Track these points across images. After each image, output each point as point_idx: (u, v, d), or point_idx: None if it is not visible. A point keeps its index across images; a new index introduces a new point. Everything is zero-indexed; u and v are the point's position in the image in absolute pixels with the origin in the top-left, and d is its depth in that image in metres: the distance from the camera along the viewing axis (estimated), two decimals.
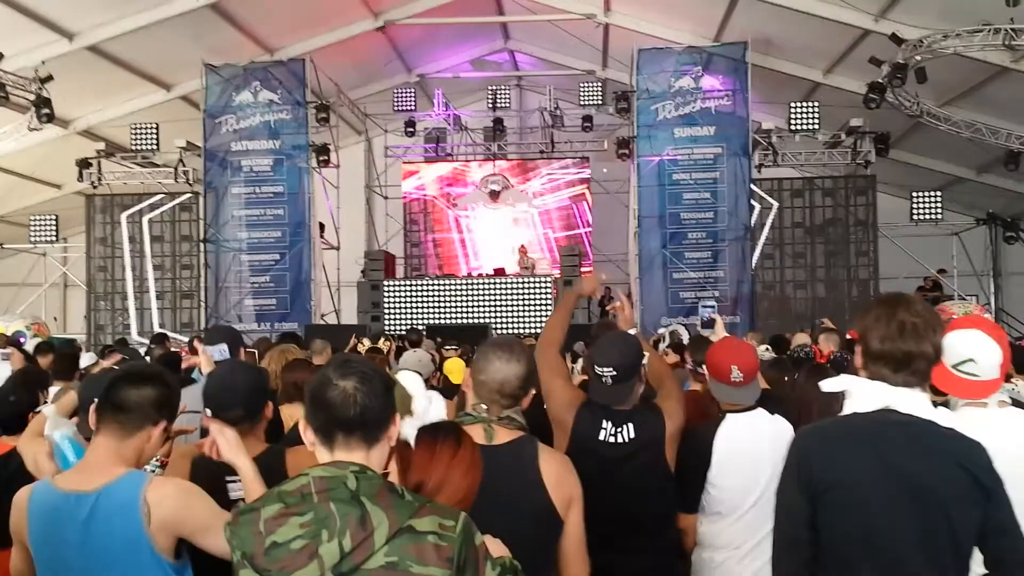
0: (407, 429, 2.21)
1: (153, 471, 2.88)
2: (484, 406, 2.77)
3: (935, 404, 2.54)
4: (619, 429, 3.45)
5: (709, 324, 7.01)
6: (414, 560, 1.70)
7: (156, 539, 2.39)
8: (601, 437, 3.44)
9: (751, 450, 3.46)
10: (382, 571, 1.69)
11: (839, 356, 5.52)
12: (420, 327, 13.62)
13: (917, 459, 2.24)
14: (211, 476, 2.83)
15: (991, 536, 2.23)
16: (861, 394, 2.35)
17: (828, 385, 2.50)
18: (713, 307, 14.36)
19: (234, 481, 2.83)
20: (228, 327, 6.33)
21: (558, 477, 2.69)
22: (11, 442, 3.67)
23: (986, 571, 2.28)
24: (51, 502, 1.91)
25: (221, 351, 4.32)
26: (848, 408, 2.38)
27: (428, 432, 2.24)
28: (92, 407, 2.58)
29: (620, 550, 2.88)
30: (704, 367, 4.19)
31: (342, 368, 1.88)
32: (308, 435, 1.89)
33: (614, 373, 3.42)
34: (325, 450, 1.87)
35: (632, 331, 3.94)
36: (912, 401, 2.30)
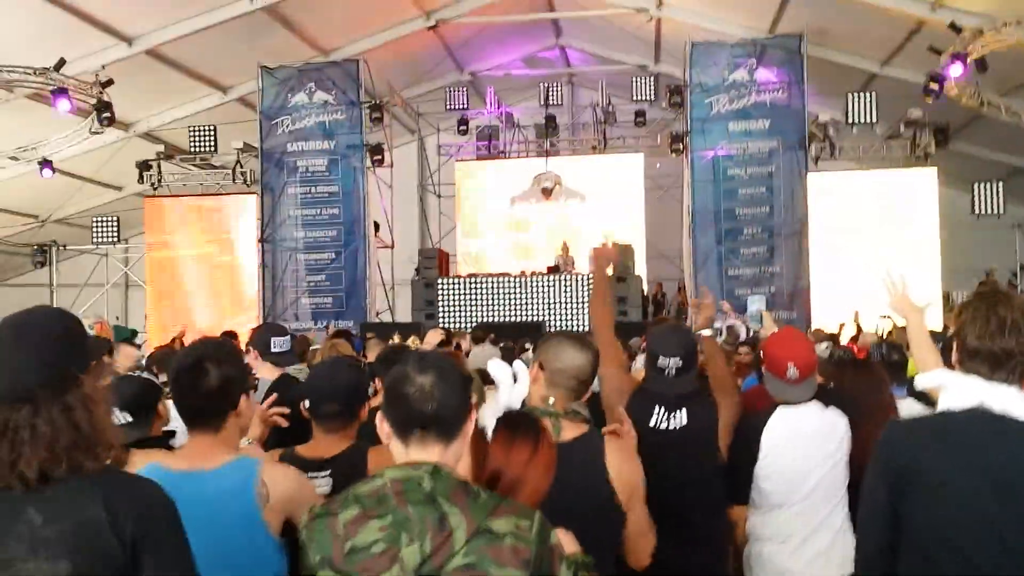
0: (485, 417, 2.20)
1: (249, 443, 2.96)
2: (552, 399, 2.76)
3: None
4: (672, 415, 3.45)
5: (756, 318, 6.97)
6: (492, 562, 1.68)
7: (269, 519, 2.45)
8: (652, 424, 3.44)
9: (801, 442, 3.41)
10: (461, 572, 1.67)
11: (879, 351, 5.39)
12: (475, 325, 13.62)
13: (1008, 456, 2.17)
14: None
15: None
16: (955, 390, 2.28)
17: (923, 381, 2.45)
18: (762, 300, 14.20)
19: (316, 477, 2.90)
20: (277, 323, 6.88)
21: (621, 469, 2.69)
22: None
23: None
24: (161, 479, 1.93)
25: (285, 342, 4.71)
26: (942, 404, 2.30)
27: (507, 425, 2.20)
28: (172, 406, 2.61)
29: (667, 539, 2.88)
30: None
31: (420, 363, 1.86)
32: (384, 428, 1.89)
33: (680, 364, 3.42)
34: (401, 446, 1.86)
35: (707, 332, 3.93)
36: (1008, 398, 2.21)
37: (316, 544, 1.74)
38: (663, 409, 3.48)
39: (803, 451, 3.40)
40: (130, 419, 3.04)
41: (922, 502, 2.23)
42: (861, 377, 3.87)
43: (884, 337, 7.75)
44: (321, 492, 2.87)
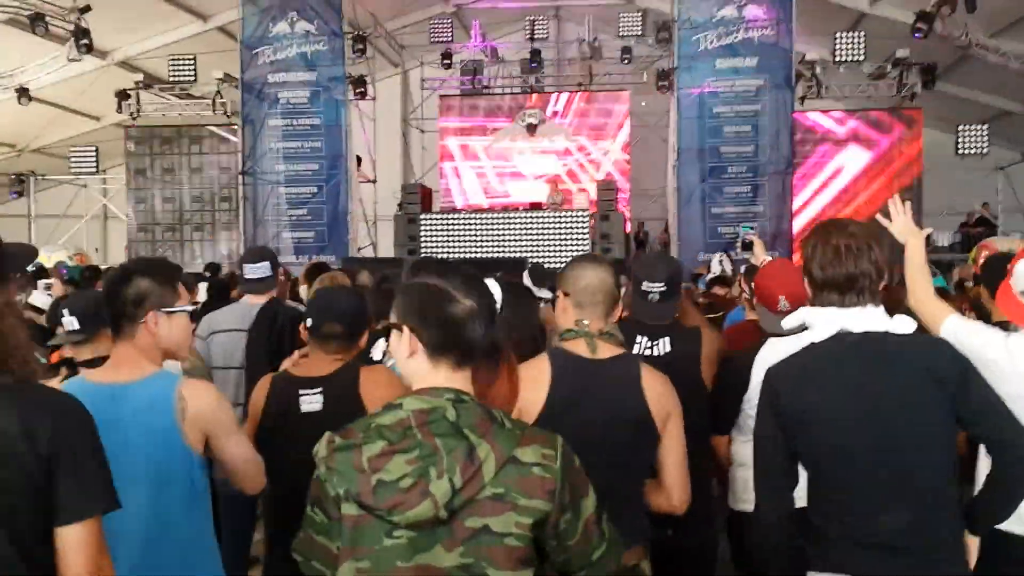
0: None
1: None
2: (587, 321, 2.77)
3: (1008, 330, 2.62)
4: (655, 343, 3.48)
5: (748, 246, 6.96)
6: (520, 492, 1.67)
7: (189, 433, 2.51)
8: (636, 351, 3.46)
9: None
10: (490, 501, 1.66)
11: None
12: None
13: (877, 372, 2.27)
14: (286, 390, 3.05)
15: (972, 423, 2.28)
16: (819, 324, 2.38)
17: (788, 322, 2.53)
18: (753, 229, 14.22)
19: (307, 394, 3.00)
20: (265, 247, 6.75)
21: (658, 392, 2.74)
22: None
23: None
24: (84, 392, 1.96)
25: (264, 268, 4.58)
26: (807, 339, 2.41)
27: None
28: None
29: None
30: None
31: (466, 284, 1.77)
32: (408, 344, 1.77)
33: (663, 288, 3.44)
34: (429, 364, 1.78)
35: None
36: (864, 318, 2.33)
37: (339, 476, 1.69)
38: (645, 338, 3.50)
39: None
40: (76, 327, 3.22)
41: (813, 439, 2.34)
42: None
43: None
44: (312, 408, 2.96)
